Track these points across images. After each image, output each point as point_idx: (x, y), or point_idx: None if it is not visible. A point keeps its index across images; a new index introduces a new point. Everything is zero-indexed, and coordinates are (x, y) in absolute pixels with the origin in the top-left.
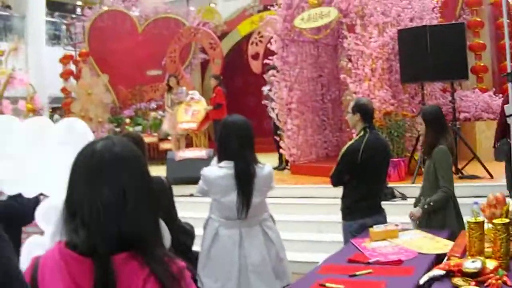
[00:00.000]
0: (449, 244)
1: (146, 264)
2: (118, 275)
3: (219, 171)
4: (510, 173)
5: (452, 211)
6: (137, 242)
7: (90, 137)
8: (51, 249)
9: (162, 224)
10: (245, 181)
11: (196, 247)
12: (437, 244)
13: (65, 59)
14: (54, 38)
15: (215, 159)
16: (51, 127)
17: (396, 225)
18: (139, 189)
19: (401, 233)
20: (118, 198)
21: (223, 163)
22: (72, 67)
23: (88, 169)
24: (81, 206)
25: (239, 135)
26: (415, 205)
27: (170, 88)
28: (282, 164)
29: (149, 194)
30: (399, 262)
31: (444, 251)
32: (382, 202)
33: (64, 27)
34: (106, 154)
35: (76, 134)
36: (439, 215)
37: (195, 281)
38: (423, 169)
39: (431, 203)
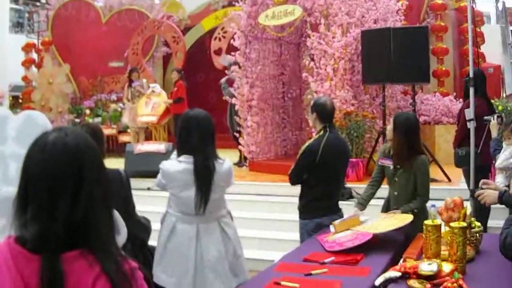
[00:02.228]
0: (408, 218)
1: (97, 262)
2: (67, 274)
3: (178, 165)
4: (468, 177)
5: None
6: (89, 238)
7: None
8: (0, 244)
9: (119, 219)
10: (204, 177)
11: (152, 242)
12: (394, 221)
13: (27, 47)
14: (18, 26)
15: (174, 153)
16: (10, 119)
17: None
18: (93, 182)
19: (363, 219)
20: (71, 192)
21: (182, 157)
22: (35, 55)
23: (40, 161)
24: (33, 199)
25: (200, 130)
26: (385, 211)
27: (131, 81)
28: (242, 161)
29: (103, 187)
30: (354, 261)
31: (399, 225)
32: (340, 202)
33: (27, 14)
34: (58, 146)
35: (36, 127)
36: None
37: (148, 281)
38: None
39: (415, 211)
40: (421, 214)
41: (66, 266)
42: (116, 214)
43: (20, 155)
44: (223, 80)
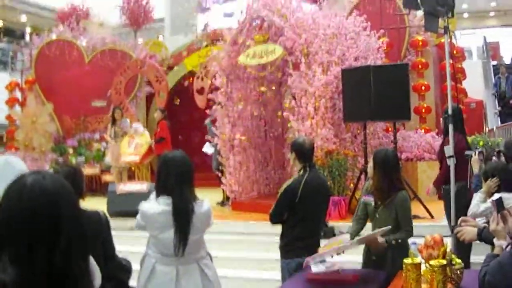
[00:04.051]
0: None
1: None
2: None
3: (157, 207)
4: (449, 212)
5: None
6: (68, 282)
7: None
8: None
9: (92, 262)
10: (182, 218)
11: (133, 282)
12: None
13: (10, 86)
14: (1, 64)
15: (153, 194)
16: None
17: (334, 264)
18: (71, 226)
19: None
20: (49, 235)
21: (161, 199)
22: (18, 94)
23: (18, 204)
24: (11, 242)
25: (178, 172)
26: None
27: (114, 120)
28: (225, 200)
29: (81, 231)
30: None
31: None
32: (323, 240)
33: (11, 53)
34: (36, 189)
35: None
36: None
37: None
38: (377, 215)
39: (399, 240)
40: (403, 250)
41: None
42: (90, 257)
43: None
44: (207, 120)
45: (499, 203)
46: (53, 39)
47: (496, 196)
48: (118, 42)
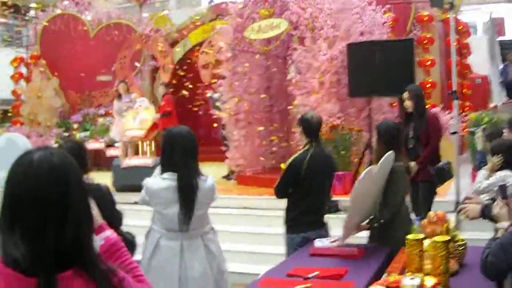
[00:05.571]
0: None
1: (92, 281)
2: None
3: (162, 182)
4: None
5: (401, 227)
6: (80, 256)
7: None
8: None
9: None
10: (188, 194)
11: (138, 256)
12: None
13: (16, 61)
14: (7, 40)
15: (158, 169)
16: None
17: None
18: (79, 201)
19: None
20: (58, 211)
21: (166, 175)
22: (23, 69)
23: (26, 180)
24: (21, 219)
25: (183, 147)
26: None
27: (119, 95)
28: (230, 174)
29: (87, 205)
30: (338, 276)
31: None
32: (327, 216)
33: (16, 28)
34: (44, 165)
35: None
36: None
37: None
38: None
39: (382, 221)
40: (397, 225)
41: (62, 287)
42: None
43: (1, 179)
44: (210, 93)
45: (503, 190)
46: (57, 13)
47: (498, 175)
48: (123, 16)
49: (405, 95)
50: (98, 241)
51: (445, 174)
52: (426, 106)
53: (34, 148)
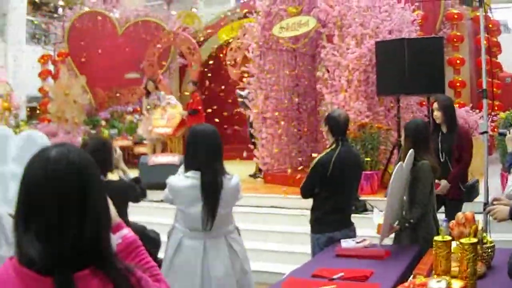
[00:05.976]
0: None
1: (109, 281)
2: None
3: (185, 181)
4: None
5: (428, 227)
6: (97, 256)
7: None
8: (4, 267)
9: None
10: (211, 193)
11: (162, 254)
12: None
13: (43, 59)
14: (34, 37)
15: (182, 167)
16: (11, 138)
17: (364, 239)
18: (97, 199)
19: None
20: (76, 210)
21: (189, 173)
22: (51, 67)
23: (44, 177)
24: (37, 217)
25: (207, 145)
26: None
27: (148, 92)
28: (257, 172)
29: (105, 203)
30: (363, 278)
31: None
32: (354, 215)
33: (44, 26)
34: (62, 162)
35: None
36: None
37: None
38: None
39: (411, 221)
40: (424, 225)
41: (80, 286)
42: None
43: (20, 176)
44: (239, 91)
45: None
46: (85, 11)
47: None
48: (151, 14)
49: (435, 105)
50: (116, 239)
51: (474, 192)
52: (456, 118)
53: (51, 145)
